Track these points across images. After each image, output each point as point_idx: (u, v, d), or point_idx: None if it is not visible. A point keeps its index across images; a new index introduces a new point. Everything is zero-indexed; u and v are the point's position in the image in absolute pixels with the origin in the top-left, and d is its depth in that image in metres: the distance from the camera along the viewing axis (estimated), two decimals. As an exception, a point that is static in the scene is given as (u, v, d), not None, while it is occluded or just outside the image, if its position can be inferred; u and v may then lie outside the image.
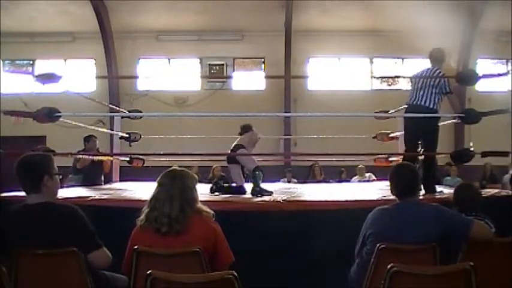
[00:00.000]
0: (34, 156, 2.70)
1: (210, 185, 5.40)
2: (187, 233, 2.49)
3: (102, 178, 7.01)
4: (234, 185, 5.29)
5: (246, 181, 5.32)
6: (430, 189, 4.58)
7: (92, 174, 6.62)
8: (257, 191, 4.82)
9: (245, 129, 5.51)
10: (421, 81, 4.77)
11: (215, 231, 2.56)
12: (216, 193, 4.99)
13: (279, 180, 9.34)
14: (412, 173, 2.82)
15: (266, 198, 4.51)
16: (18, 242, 2.41)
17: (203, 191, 4.23)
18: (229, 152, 5.25)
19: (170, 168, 2.71)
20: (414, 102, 4.78)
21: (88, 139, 6.79)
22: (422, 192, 4.24)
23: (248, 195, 4.88)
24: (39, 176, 2.54)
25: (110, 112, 9.90)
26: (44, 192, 2.56)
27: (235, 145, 5.30)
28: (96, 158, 6.57)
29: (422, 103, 4.70)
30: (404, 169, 2.88)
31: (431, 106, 4.68)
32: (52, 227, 2.45)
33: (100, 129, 7.50)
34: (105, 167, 6.97)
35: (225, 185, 5.39)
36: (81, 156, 6.46)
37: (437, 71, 4.81)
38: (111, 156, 7.06)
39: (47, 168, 2.59)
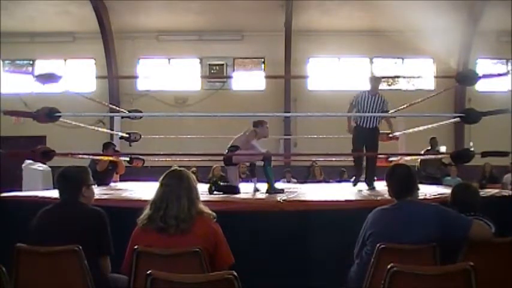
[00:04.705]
0: (73, 169, 2.94)
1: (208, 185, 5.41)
2: (189, 233, 2.48)
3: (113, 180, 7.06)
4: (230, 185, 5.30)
5: (245, 181, 5.32)
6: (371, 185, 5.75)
7: (105, 179, 6.62)
8: (272, 191, 5.04)
9: (255, 125, 5.52)
10: (369, 107, 5.79)
11: (216, 232, 2.56)
12: (215, 193, 5.00)
13: (279, 181, 9.34)
14: (407, 173, 2.82)
15: (266, 198, 4.52)
16: (46, 236, 2.59)
17: (202, 191, 4.23)
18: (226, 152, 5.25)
19: (173, 168, 2.70)
20: (369, 126, 5.83)
21: (107, 146, 6.78)
22: (420, 191, 4.25)
23: (246, 195, 4.91)
24: (78, 188, 2.84)
25: (110, 112, 9.90)
26: (81, 200, 2.84)
27: (231, 146, 5.30)
28: (109, 159, 6.57)
29: (375, 126, 5.86)
30: (399, 169, 2.88)
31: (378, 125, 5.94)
32: (78, 225, 2.67)
33: (100, 129, 7.51)
34: (120, 169, 7.00)
35: (223, 183, 5.40)
36: (101, 158, 6.47)
37: (381, 98, 5.86)
38: (112, 156, 7.07)
39: (85, 180, 2.90)
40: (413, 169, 2.89)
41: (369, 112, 5.78)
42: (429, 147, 8.83)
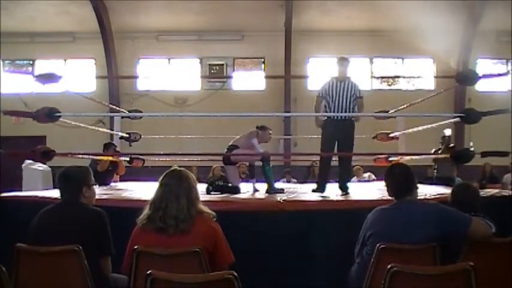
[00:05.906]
0: (75, 169, 2.93)
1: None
2: (189, 233, 2.48)
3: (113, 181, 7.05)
4: (230, 185, 5.31)
5: (245, 181, 5.32)
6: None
7: (106, 179, 6.61)
8: (272, 191, 5.02)
9: (257, 128, 5.55)
10: (338, 96, 5.05)
11: (215, 231, 2.56)
12: (212, 193, 5.01)
13: (278, 181, 9.34)
14: (406, 172, 2.82)
15: (266, 198, 4.52)
16: (46, 236, 2.60)
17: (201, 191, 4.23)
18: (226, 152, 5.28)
19: (172, 168, 2.70)
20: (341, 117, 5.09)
21: (107, 146, 6.79)
22: (420, 191, 4.25)
23: (245, 195, 4.91)
24: (79, 188, 2.83)
25: (110, 112, 9.90)
26: (82, 200, 2.84)
27: (230, 146, 5.32)
28: (109, 159, 6.57)
29: (348, 116, 5.09)
30: (398, 169, 2.87)
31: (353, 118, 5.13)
32: (78, 225, 2.67)
33: (100, 129, 7.50)
34: (120, 170, 7.00)
35: (220, 183, 5.41)
36: (101, 158, 6.46)
37: (351, 83, 5.09)
38: (112, 156, 7.07)
39: (87, 180, 2.89)
40: (412, 169, 2.87)
41: (338, 101, 5.01)
42: (441, 146, 8.65)
